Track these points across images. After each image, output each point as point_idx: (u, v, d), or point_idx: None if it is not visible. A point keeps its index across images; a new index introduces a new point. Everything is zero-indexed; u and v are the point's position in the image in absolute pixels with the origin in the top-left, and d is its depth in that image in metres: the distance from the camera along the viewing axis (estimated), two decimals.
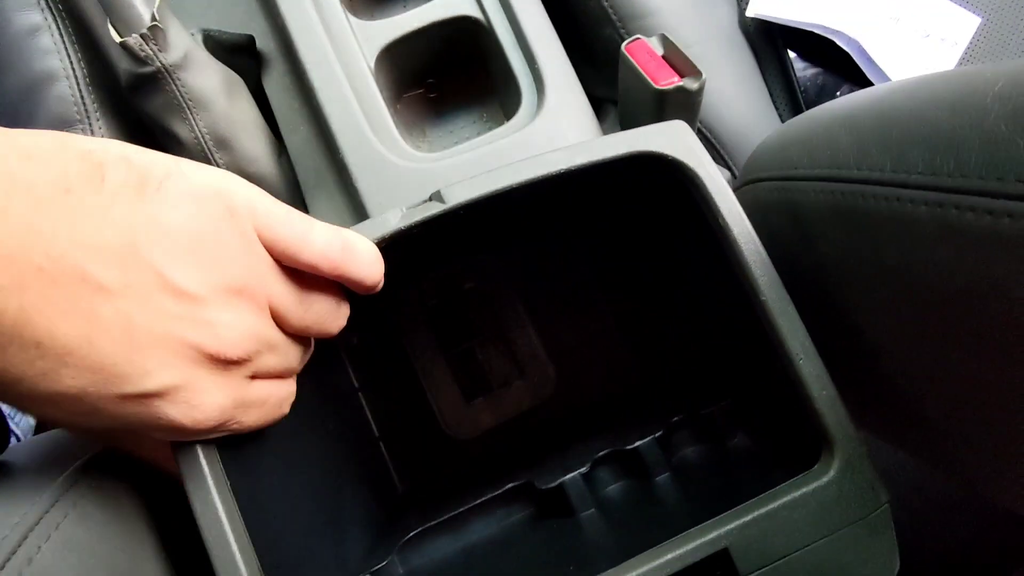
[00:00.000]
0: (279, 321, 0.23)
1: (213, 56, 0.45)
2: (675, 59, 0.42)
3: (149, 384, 0.20)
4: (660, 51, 0.43)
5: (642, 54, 0.42)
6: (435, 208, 0.29)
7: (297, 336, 0.25)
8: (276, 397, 0.24)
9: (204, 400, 0.21)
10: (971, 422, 0.25)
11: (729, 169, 0.50)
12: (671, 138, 0.29)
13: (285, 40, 0.51)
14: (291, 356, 0.24)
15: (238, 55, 0.51)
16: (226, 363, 0.21)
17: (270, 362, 0.23)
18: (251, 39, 0.52)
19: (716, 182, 0.28)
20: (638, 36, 0.42)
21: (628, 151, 0.29)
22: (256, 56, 0.52)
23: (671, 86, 0.40)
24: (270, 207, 0.23)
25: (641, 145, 0.29)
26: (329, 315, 0.25)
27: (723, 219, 0.28)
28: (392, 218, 0.29)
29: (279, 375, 0.24)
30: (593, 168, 0.30)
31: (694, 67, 0.41)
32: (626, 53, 0.42)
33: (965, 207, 0.21)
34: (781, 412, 0.33)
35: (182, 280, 0.20)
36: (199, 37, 0.47)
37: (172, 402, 0.20)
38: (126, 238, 0.19)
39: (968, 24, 0.52)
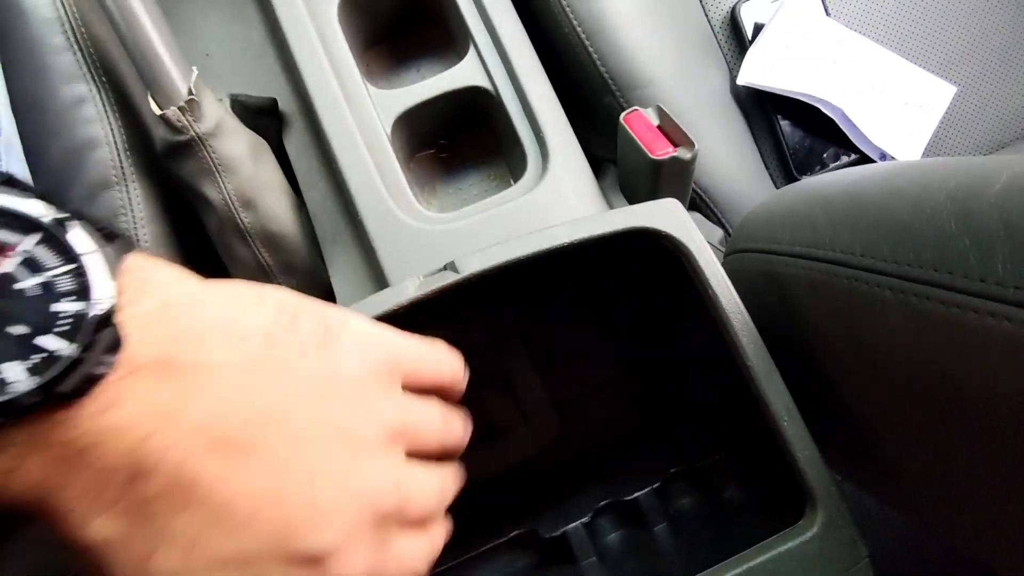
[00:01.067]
0: (424, 448, 0.23)
1: (239, 119, 0.48)
2: (670, 129, 0.45)
3: (323, 540, 0.19)
4: (656, 121, 0.46)
5: (639, 125, 0.45)
6: (450, 278, 0.32)
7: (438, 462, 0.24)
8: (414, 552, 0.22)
9: (357, 560, 0.20)
10: (940, 483, 0.27)
11: (723, 227, 0.53)
12: (666, 216, 0.32)
13: (306, 103, 0.55)
14: (442, 484, 0.24)
15: (262, 117, 0.55)
16: (404, 520, 0.21)
17: (420, 497, 0.22)
18: (274, 102, 0.55)
19: (706, 257, 0.31)
20: (636, 108, 0.46)
21: (627, 227, 0.32)
22: (278, 117, 0.56)
23: (666, 156, 0.43)
24: (412, 352, 0.24)
25: (639, 222, 0.32)
26: (458, 420, 0.25)
27: (712, 292, 0.31)
28: (410, 287, 0.31)
29: (431, 514, 0.23)
30: (595, 240, 0.33)
31: (687, 138, 0.44)
32: (624, 124, 0.45)
33: (922, 295, 0.23)
34: (769, 466, 0.35)
35: (359, 429, 0.20)
36: (227, 102, 0.50)
37: (338, 560, 0.19)
38: (316, 390, 0.20)
39: (944, 93, 0.56)
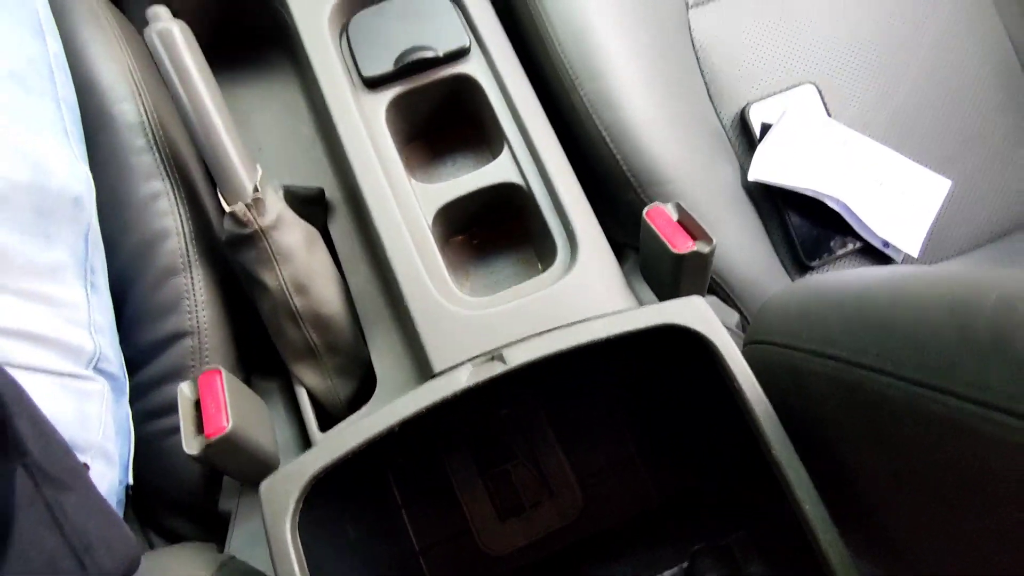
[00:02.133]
0: None
1: (289, 206, 0.53)
2: (689, 224, 0.50)
3: None
4: (675, 216, 0.50)
5: (661, 220, 0.50)
6: (499, 368, 0.35)
7: None
8: None
9: None
10: (950, 565, 0.30)
11: (739, 311, 0.56)
12: (694, 313, 0.35)
13: (352, 194, 0.60)
14: None
15: (311, 205, 0.60)
16: None
17: None
18: (322, 191, 0.60)
19: (731, 353, 0.34)
20: (657, 204, 0.50)
21: (659, 323, 0.35)
22: (325, 204, 0.61)
23: (687, 251, 0.47)
24: None
25: (669, 319, 0.35)
26: None
27: (738, 384, 0.34)
28: (462, 376, 0.35)
29: None
30: (629, 334, 0.36)
31: (706, 233, 0.48)
32: (647, 219, 0.49)
33: (929, 399, 0.27)
34: (791, 544, 0.37)
35: None
36: (280, 192, 0.55)
37: None
38: None
39: (940, 187, 0.60)
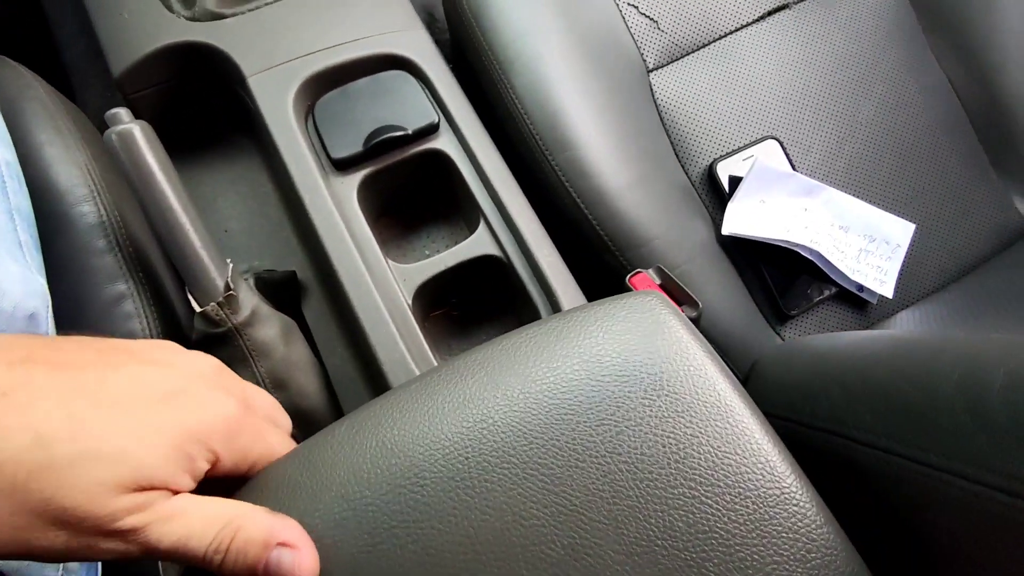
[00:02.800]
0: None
1: (261, 291, 0.51)
2: (673, 288, 0.49)
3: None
4: (658, 281, 0.50)
5: (644, 286, 0.49)
6: None
7: None
8: None
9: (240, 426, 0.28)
10: None
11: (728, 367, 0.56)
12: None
13: (326, 275, 0.58)
14: (274, 401, 0.34)
15: (283, 288, 0.58)
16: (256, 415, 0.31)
17: None
18: (294, 274, 0.58)
19: None
20: (639, 270, 0.50)
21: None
22: (297, 287, 0.59)
23: None
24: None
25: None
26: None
27: None
28: None
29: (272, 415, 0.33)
30: None
31: (690, 296, 0.48)
32: (631, 286, 0.49)
33: (948, 483, 0.26)
34: None
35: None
36: (252, 279, 0.53)
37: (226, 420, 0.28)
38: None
39: (905, 230, 0.62)
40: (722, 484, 0.28)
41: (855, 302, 0.61)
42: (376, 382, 0.53)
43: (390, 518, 0.27)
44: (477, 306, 0.59)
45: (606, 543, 0.27)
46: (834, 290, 0.60)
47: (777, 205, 0.60)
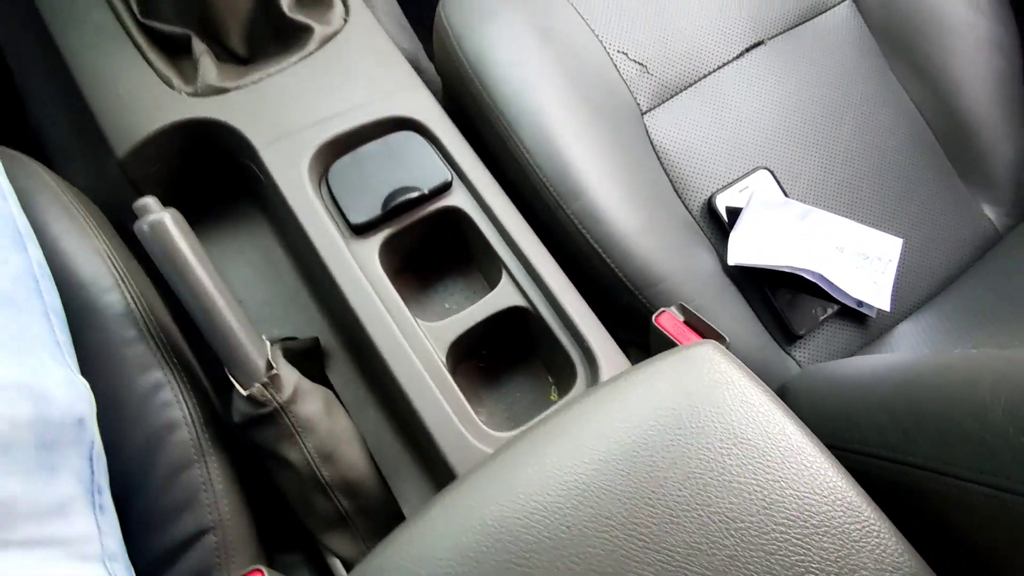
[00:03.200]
0: None
1: (288, 361, 0.51)
2: (696, 324, 0.51)
3: None
4: (682, 318, 0.52)
5: (670, 324, 0.51)
6: None
7: None
8: None
9: None
10: None
11: None
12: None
13: (350, 339, 0.58)
14: None
15: (307, 356, 0.58)
16: None
17: None
18: (317, 341, 0.58)
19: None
20: (663, 309, 0.52)
21: None
22: (321, 353, 0.59)
23: None
24: None
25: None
26: None
27: None
28: None
29: None
30: None
31: (714, 330, 0.50)
32: (657, 325, 0.51)
33: (1005, 500, 0.28)
34: None
35: None
36: (279, 348, 0.53)
37: None
38: None
39: (894, 245, 0.66)
40: (808, 525, 0.30)
41: (856, 317, 0.64)
42: (418, 445, 0.54)
43: None
44: (502, 356, 0.60)
45: None
46: (837, 308, 0.64)
47: (776, 232, 0.63)
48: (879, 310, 0.64)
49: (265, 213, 0.63)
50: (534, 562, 0.29)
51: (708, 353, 0.35)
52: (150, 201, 0.43)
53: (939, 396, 0.34)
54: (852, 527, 0.30)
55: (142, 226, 0.42)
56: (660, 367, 0.35)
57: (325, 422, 0.47)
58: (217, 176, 0.63)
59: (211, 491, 0.46)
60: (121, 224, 0.55)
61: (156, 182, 0.60)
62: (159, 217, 0.43)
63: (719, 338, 0.50)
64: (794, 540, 0.30)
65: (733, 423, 0.32)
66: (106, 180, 0.61)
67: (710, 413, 0.32)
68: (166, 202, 0.60)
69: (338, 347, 0.59)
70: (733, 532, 0.30)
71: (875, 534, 0.30)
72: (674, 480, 0.30)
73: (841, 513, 0.30)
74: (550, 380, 0.59)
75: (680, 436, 0.32)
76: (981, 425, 0.31)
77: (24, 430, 0.36)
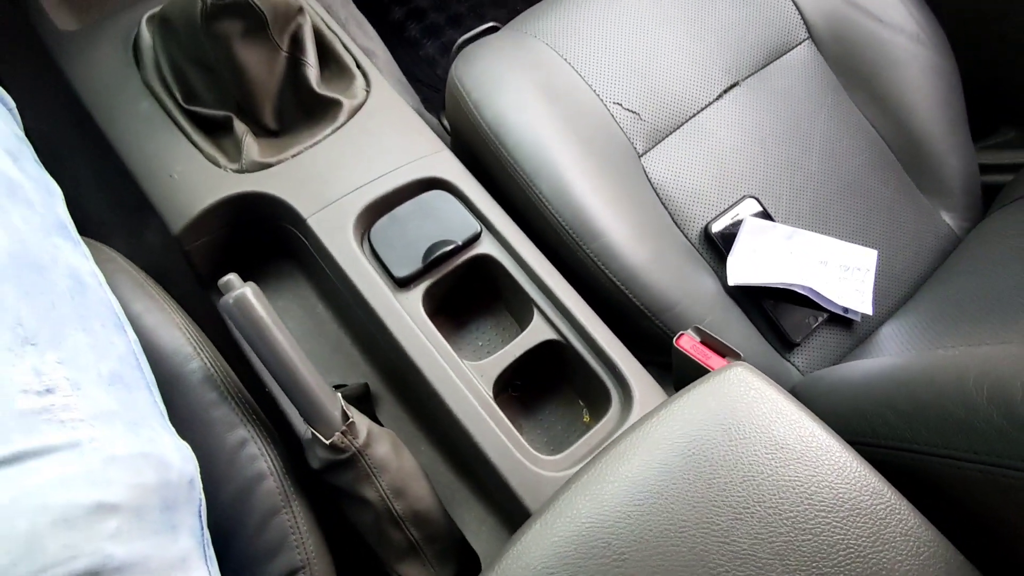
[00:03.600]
0: None
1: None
2: (712, 343, 0.58)
3: None
4: (699, 339, 0.59)
5: (689, 346, 0.58)
6: None
7: None
8: None
9: None
10: None
11: None
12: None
13: (399, 382, 0.64)
14: None
15: (360, 400, 0.63)
16: None
17: None
18: (367, 386, 0.63)
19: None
20: (682, 332, 0.59)
21: None
22: (371, 397, 0.64)
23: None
24: None
25: None
26: None
27: None
28: None
29: None
30: None
31: (731, 349, 0.57)
32: (679, 347, 0.58)
33: (1009, 476, 0.35)
34: None
35: None
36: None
37: None
38: None
39: (869, 256, 0.74)
40: (843, 509, 0.37)
41: (844, 323, 0.72)
42: (473, 473, 0.59)
43: None
44: (534, 385, 0.66)
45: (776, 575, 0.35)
46: (826, 315, 0.71)
47: (767, 253, 0.71)
48: (863, 315, 0.72)
49: (303, 270, 0.69)
50: (626, 564, 0.34)
51: (741, 374, 0.42)
52: (232, 278, 0.48)
53: (933, 390, 0.41)
54: (878, 508, 0.37)
55: (228, 301, 0.47)
56: (704, 390, 0.41)
57: (395, 461, 0.52)
58: (256, 239, 0.68)
59: (298, 533, 0.50)
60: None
61: (205, 251, 0.64)
62: (243, 292, 0.48)
63: (735, 355, 0.57)
64: (834, 524, 0.36)
65: (772, 431, 0.39)
66: (145, 251, 0.66)
67: (752, 425, 0.39)
68: (213, 267, 0.65)
69: (385, 390, 0.64)
70: (785, 522, 0.36)
71: (897, 512, 0.37)
72: (732, 483, 0.37)
73: (868, 497, 0.37)
74: (581, 404, 0.65)
75: (732, 446, 0.38)
76: (970, 412, 0.38)
77: (152, 495, 0.40)
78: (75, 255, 0.44)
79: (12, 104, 0.48)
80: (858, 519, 0.36)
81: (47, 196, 0.45)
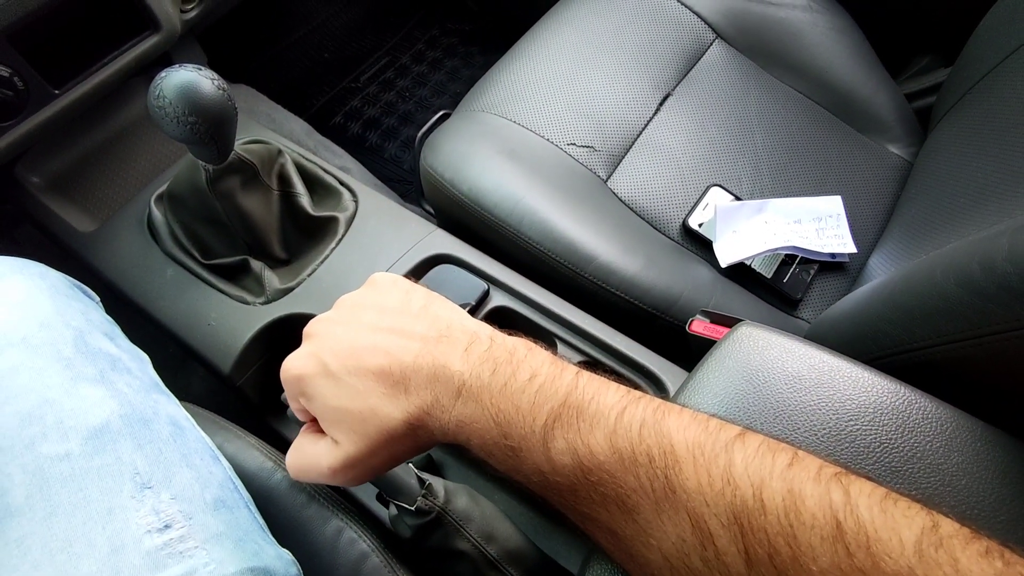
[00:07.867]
0: None
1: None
2: (720, 319, 0.64)
3: None
4: (708, 320, 0.65)
5: (702, 328, 0.64)
6: None
7: None
8: None
9: None
10: None
11: None
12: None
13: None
14: None
15: (427, 469, 0.67)
16: None
17: None
18: (429, 455, 0.68)
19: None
20: (693, 318, 0.64)
21: None
22: (435, 464, 0.69)
23: None
24: None
25: None
26: None
27: None
28: None
29: None
30: None
31: (736, 319, 0.62)
32: (692, 332, 0.63)
33: (994, 340, 0.40)
34: None
35: None
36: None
37: None
38: None
39: (835, 202, 0.80)
40: (868, 412, 0.41)
41: (835, 268, 0.78)
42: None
43: None
44: None
45: None
46: (817, 266, 0.77)
47: (746, 229, 0.77)
48: (849, 255, 0.78)
49: None
50: None
51: (747, 331, 0.47)
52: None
53: (913, 294, 0.46)
54: (898, 403, 0.41)
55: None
56: (719, 354, 0.47)
57: (476, 509, 0.57)
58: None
59: None
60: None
61: (253, 381, 0.71)
62: None
63: (739, 320, 0.62)
64: (864, 428, 0.41)
65: (787, 368, 0.44)
66: (193, 399, 0.73)
67: (769, 368, 0.44)
68: (263, 389, 0.71)
69: (444, 454, 0.69)
70: (821, 439, 0.41)
71: (915, 402, 0.41)
72: (766, 423, 0.42)
73: (887, 396, 0.42)
74: None
75: (756, 393, 0.43)
76: (946, 301, 0.43)
77: None
78: (170, 405, 0.50)
79: (94, 295, 0.56)
80: (883, 418, 0.41)
81: (140, 363, 0.52)
